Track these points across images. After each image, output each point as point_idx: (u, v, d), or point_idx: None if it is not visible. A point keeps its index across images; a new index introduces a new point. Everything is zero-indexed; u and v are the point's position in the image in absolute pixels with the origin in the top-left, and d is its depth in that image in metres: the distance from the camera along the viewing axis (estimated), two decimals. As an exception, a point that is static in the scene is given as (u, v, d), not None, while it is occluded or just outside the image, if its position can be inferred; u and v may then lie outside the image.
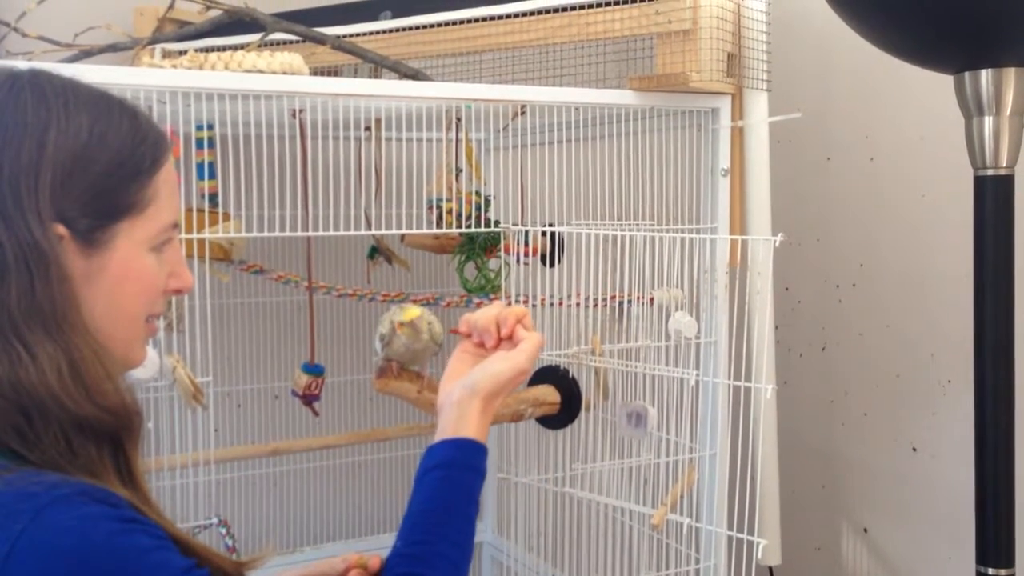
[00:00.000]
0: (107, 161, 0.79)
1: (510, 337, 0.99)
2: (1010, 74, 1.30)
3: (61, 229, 0.77)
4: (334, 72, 1.81)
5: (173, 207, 0.85)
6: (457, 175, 1.62)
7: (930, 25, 1.30)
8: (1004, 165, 1.33)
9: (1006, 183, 1.33)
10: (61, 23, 1.66)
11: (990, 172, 1.33)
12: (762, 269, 1.50)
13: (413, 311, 1.46)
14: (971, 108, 1.33)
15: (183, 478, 1.46)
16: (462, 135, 1.59)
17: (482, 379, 0.93)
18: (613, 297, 1.58)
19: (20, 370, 0.73)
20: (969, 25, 1.27)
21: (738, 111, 1.62)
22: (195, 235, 1.42)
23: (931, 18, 1.29)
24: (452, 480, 0.89)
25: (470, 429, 0.91)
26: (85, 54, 1.60)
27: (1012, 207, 1.34)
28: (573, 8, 1.56)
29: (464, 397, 0.93)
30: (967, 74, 1.32)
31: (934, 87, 1.59)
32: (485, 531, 2.21)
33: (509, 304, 1.46)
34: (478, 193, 1.65)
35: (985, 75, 1.31)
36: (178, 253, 0.87)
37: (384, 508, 2.14)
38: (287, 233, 1.45)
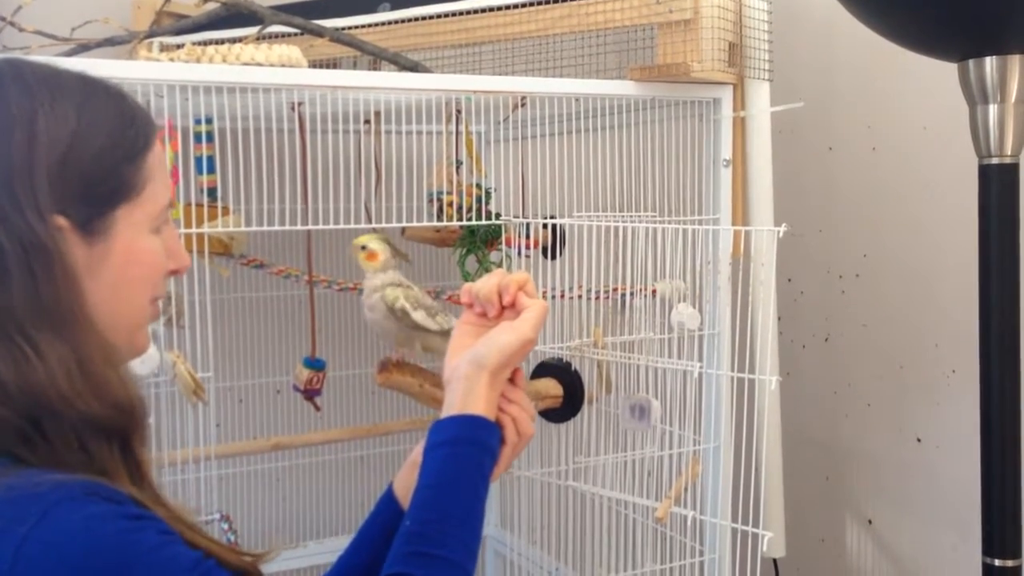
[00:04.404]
0: (99, 146, 0.77)
1: (512, 305, 0.96)
2: (1015, 61, 1.29)
3: (61, 221, 0.75)
4: (333, 65, 1.80)
5: (167, 186, 0.84)
6: (457, 168, 1.61)
7: (934, 12, 1.29)
8: (1009, 153, 1.32)
9: (1011, 171, 1.32)
10: (58, 17, 1.65)
11: (995, 160, 1.32)
12: (766, 260, 1.49)
13: (368, 237, 1.46)
14: (975, 96, 1.32)
15: (185, 474, 1.45)
16: (462, 127, 1.59)
17: (488, 352, 0.91)
18: (615, 289, 1.57)
19: (28, 373, 0.72)
20: (973, 12, 1.26)
21: (740, 101, 1.61)
22: (195, 230, 1.41)
23: (935, 5, 1.28)
24: (460, 456, 0.87)
25: (479, 405, 0.89)
26: (82, 48, 1.59)
27: (1017, 195, 1.33)
28: (573, -2, 1.55)
29: (471, 372, 0.90)
30: (971, 62, 1.31)
31: (937, 75, 1.58)
32: (488, 525, 2.20)
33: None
34: (479, 185, 1.64)
35: (990, 62, 1.30)
36: (174, 232, 0.86)
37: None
38: (287, 227, 1.44)
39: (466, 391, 0.90)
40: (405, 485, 0.96)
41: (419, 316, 1.46)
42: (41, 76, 0.78)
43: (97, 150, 0.77)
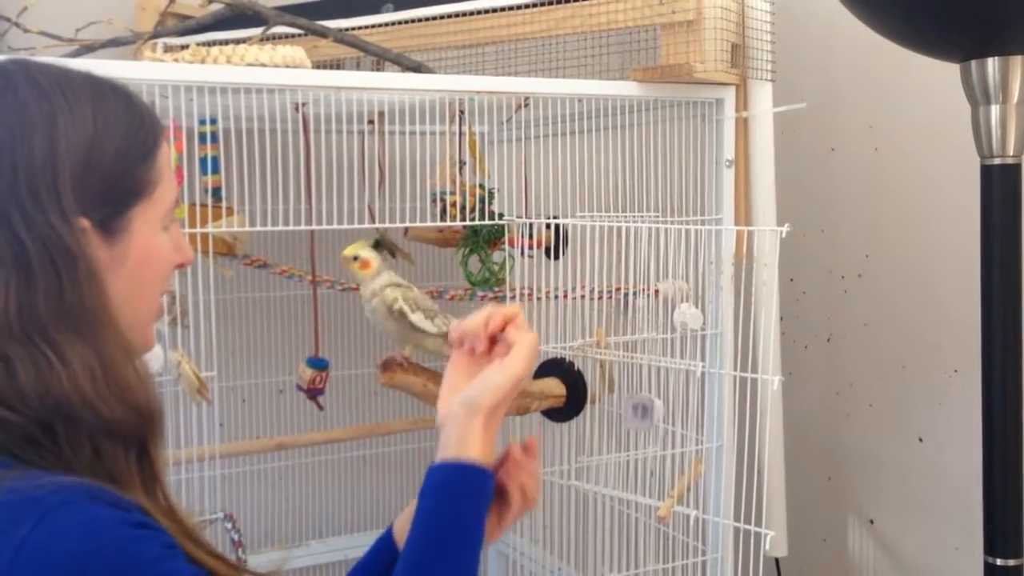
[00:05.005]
0: (116, 148, 0.78)
1: (500, 336, 0.94)
2: (1017, 62, 1.29)
3: (84, 223, 0.75)
4: (336, 65, 1.80)
5: (174, 183, 0.85)
6: (461, 168, 1.62)
7: (936, 13, 1.29)
8: (1011, 154, 1.32)
9: (1013, 172, 1.33)
10: (63, 18, 1.66)
11: (997, 161, 1.33)
12: (768, 260, 1.50)
13: (356, 246, 1.47)
14: (977, 97, 1.33)
15: (188, 473, 1.46)
16: (465, 128, 1.59)
17: (480, 394, 0.89)
18: (618, 289, 1.57)
19: (50, 378, 0.71)
20: (976, 13, 1.26)
21: (742, 102, 1.61)
22: (199, 230, 1.41)
23: (937, 6, 1.28)
24: (452, 506, 0.85)
25: (473, 448, 0.87)
26: (87, 49, 1.60)
27: (1019, 196, 1.34)
28: (576, -1, 1.56)
29: (464, 415, 0.88)
30: (973, 62, 1.32)
31: (939, 76, 1.59)
32: (491, 524, 2.21)
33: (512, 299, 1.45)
34: (482, 186, 1.64)
35: (992, 63, 1.30)
36: (178, 227, 0.87)
37: (389, 502, 2.14)
38: (291, 227, 1.45)
39: (460, 435, 0.88)
40: (403, 526, 0.95)
41: (417, 318, 1.47)
42: (53, 78, 0.78)
43: (114, 151, 0.78)
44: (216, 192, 1.61)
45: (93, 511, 0.68)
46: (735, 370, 1.55)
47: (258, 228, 1.46)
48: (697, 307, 1.55)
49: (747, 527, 1.45)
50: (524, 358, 0.91)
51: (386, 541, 0.98)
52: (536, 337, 0.94)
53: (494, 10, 1.62)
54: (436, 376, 1.51)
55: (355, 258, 1.48)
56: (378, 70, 1.75)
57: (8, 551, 0.66)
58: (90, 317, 0.74)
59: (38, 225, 0.73)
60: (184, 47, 1.44)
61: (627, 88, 1.55)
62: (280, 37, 1.73)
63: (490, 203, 1.64)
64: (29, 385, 0.71)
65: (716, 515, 1.58)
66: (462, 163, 1.62)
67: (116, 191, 0.78)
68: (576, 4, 1.56)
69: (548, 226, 1.64)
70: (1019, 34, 1.28)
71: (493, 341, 0.95)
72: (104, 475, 0.72)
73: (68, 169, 0.75)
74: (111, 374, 0.74)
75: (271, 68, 1.38)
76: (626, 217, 1.56)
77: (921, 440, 1.86)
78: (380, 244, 1.89)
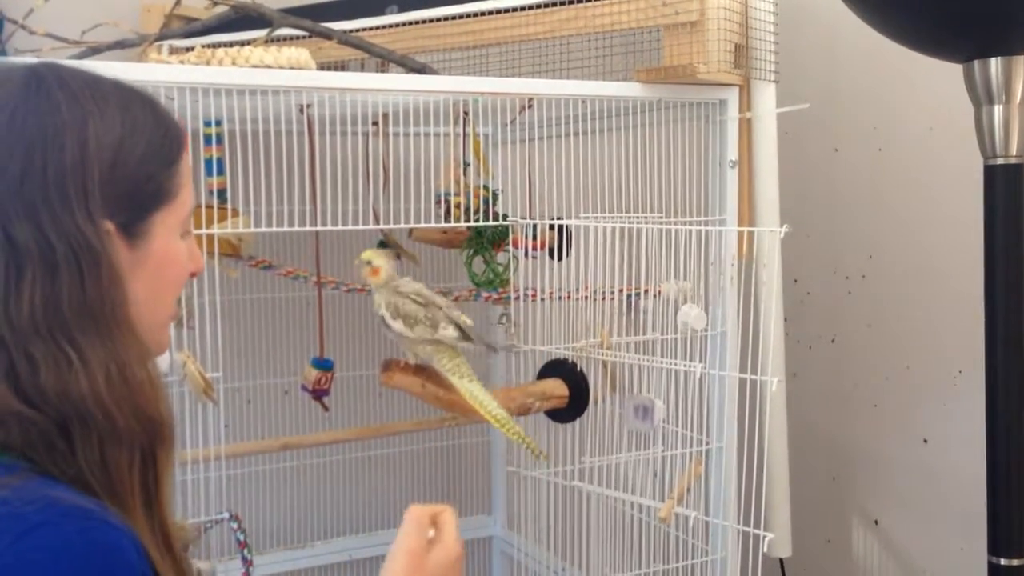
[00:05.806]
0: (142, 153, 0.79)
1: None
2: (1020, 62, 1.29)
3: (109, 225, 0.76)
4: (341, 67, 1.81)
5: (192, 191, 0.86)
6: (465, 169, 1.62)
7: (940, 13, 1.29)
8: (1014, 154, 1.32)
9: (1016, 172, 1.33)
10: (68, 20, 1.66)
11: (1000, 161, 1.33)
12: (768, 260, 1.50)
13: (372, 252, 1.46)
14: (980, 97, 1.33)
15: (194, 474, 1.46)
16: (469, 129, 1.59)
17: (390, 558, 0.87)
18: (621, 290, 1.58)
19: (70, 378, 0.72)
20: (979, 13, 1.26)
21: (746, 103, 1.61)
22: (204, 231, 1.42)
23: (940, 6, 1.28)
24: None
25: None
26: (93, 51, 1.61)
27: (1022, 196, 1.34)
28: (579, 0, 1.56)
29: None
30: (976, 62, 1.32)
31: (942, 76, 1.59)
32: (495, 525, 2.21)
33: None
34: (486, 187, 1.65)
35: (995, 63, 1.30)
36: (192, 235, 0.88)
37: (393, 503, 2.15)
38: (296, 228, 1.45)
39: None
40: None
41: (397, 325, 1.46)
42: (83, 82, 0.79)
43: (140, 156, 0.79)
44: (221, 193, 1.61)
45: (87, 529, 0.67)
46: (737, 371, 1.56)
47: (263, 229, 1.46)
48: (700, 308, 1.55)
49: (746, 529, 1.45)
50: (402, 530, 0.90)
51: None
52: (449, 512, 0.93)
53: (498, 11, 1.63)
54: (435, 376, 1.52)
55: (368, 263, 1.47)
56: (382, 71, 1.75)
57: None
58: (110, 318, 0.75)
59: (65, 225, 0.74)
60: (189, 49, 1.45)
61: (631, 89, 1.55)
62: (285, 39, 1.74)
63: (494, 204, 1.65)
64: (50, 384, 0.72)
65: (718, 516, 1.59)
66: (466, 164, 1.63)
67: (140, 195, 0.79)
68: (580, 5, 1.56)
69: (552, 227, 1.64)
70: (1022, 34, 1.28)
71: None
72: (106, 486, 0.72)
73: (96, 171, 0.76)
74: (125, 377, 0.74)
75: (276, 70, 1.39)
76: (630, 218, 1.56)
77: (925, 441, 1.86)
78: (385, 245, 1.90)
